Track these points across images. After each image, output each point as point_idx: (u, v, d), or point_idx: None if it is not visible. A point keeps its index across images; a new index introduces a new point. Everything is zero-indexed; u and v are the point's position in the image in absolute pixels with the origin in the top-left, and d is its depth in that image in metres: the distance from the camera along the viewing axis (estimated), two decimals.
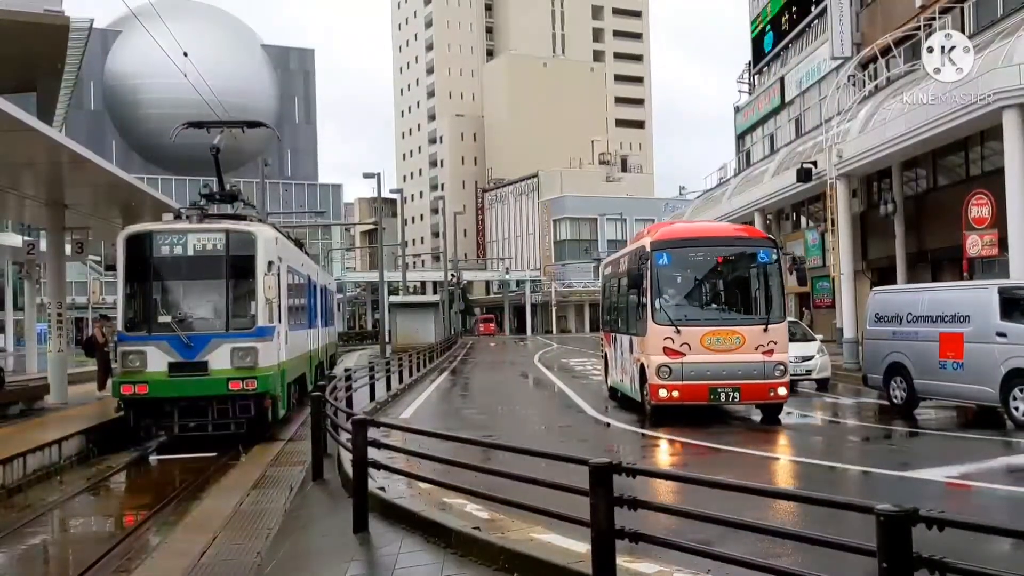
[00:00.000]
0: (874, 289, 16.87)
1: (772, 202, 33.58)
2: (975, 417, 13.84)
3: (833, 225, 26.09)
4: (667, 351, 13.01)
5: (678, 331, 12.98)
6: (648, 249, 13.58)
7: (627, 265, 15.58)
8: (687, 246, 13.99)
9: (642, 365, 13.78)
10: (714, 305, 14.10)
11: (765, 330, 13.04)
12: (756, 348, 12.96)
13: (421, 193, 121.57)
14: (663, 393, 13.05)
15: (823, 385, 19.01)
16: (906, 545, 3.44)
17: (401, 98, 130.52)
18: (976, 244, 18.88)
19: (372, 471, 7.85)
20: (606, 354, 18.38)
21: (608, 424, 14.29)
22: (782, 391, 13.09)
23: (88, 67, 56.27)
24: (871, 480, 8.91)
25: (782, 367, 13.06)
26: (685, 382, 12.95)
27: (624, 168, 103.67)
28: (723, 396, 13.02)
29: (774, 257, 13.57)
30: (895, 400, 14.59)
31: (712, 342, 12.98)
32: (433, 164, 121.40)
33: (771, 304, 13.50)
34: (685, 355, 12.93)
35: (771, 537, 4.90)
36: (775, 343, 13.04)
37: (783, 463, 10.32)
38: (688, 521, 5.01)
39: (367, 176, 45.43)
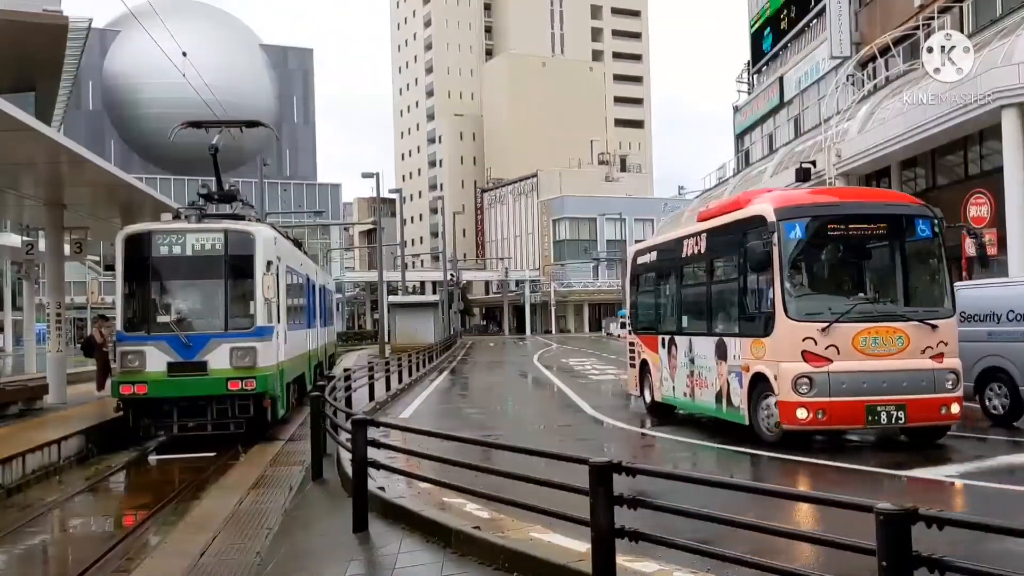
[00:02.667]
0: (955, 285, 15.06)
1: None
2: None
3: None
4: (808, 356, 9.89)
5: (824, 329, 9.90)
6: (773, 219, 10.32)
7: (713, 244, 12.29)
8: (827, 214, 10.71)
9: (756, 375, 10.58)
10: (862, 294, 10.90)
11: (934, 328, 10.11)
12: (923, 351, 10.02)
13: (420, 193, 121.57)
14: (802, 414, 9.82)
15: None
16: (905, 544, 3.45)
17: (400, 97, 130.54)
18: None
19: (372, 471, 7.84)
20: (644, 361, 14.99)
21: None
22: (955, 408, 10.10)
23: (87, 67, 56.27)
24: None
25: (954, 376, 10.12)
26: (833, 398, 9.81)
27: (623, 168, 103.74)
28: (884, 417, 9.85)
29: (936, 230, 10.62)
30: (993, 410, 12.36)
31: (867, 344, 9.94)
32: (432, 164, 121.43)
33: (937, 292, 10.73)
34: (832, 361, 9.85)
35: (773, 536, 4.89)
36: (945, 344, 10.15)
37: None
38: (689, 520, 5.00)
39: (366, 176, 45.49)
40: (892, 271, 11.17)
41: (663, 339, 14.05)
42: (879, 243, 11.04)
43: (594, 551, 4.96)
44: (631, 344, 16.00)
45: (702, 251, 12.60)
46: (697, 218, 13.46)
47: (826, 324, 9.91)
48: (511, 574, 5.90)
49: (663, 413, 14.28)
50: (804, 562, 5.11)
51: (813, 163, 28.14)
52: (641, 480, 4.94)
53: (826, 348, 9.88)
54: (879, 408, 9.83)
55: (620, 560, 5.05)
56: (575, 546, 5.82)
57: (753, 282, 10.91)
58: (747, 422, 10.88)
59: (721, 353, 11.64)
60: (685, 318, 13.37)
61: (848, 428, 10.47)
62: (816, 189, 14.23)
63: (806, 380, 9.85)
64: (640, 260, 15.80)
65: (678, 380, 13.34)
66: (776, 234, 10.21)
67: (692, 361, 12.73)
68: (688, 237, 13.20)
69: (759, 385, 10.55)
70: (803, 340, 9.95)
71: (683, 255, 13.35)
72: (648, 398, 14.86)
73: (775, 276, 10.21)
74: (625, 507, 4.87)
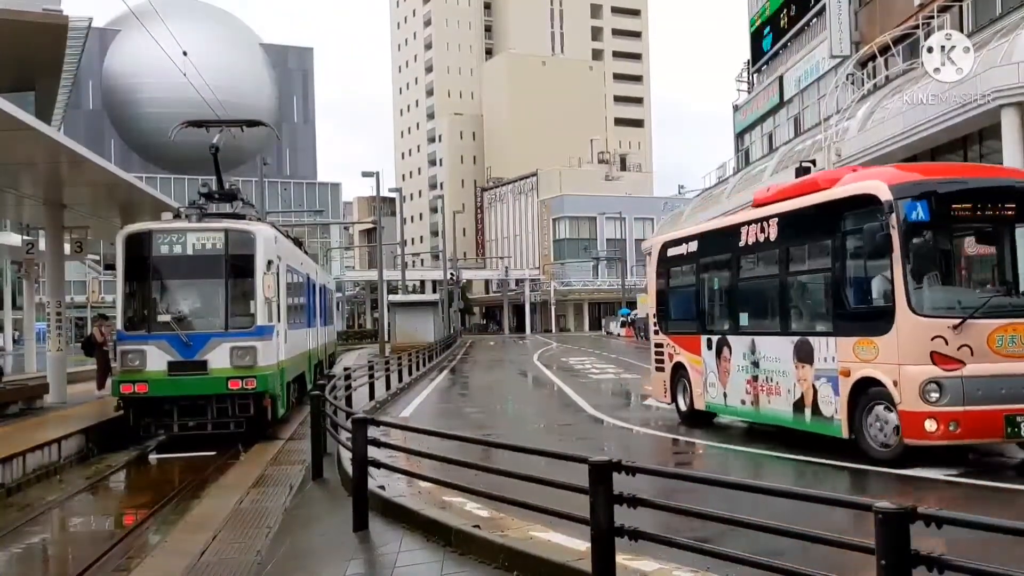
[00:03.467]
0: None
1: None
2: None
3: None
4: (936, 358, 8.52)
5: (957, 327, 8.53)
6: (889, 197, 8.83)
7: (790, 230, 10.60)
8: (953, 191, 9.10)
9: (862, 381, 9.11)
10: (990, 285, 9.55)
11: None
12: None
13: (420, 192, 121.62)
14: (931, 426, 8.43)
15: None
16: (904, 543, 3.46)
17: (400, 97, 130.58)
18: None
19: (372, 470, 7.85)
20: (679, 365, 13.40)
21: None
22: None
23: (86, 66, 56.25)
24: None
25: None
26: (968, 407, 8.42)
27: (623, 167, 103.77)
28: None
29: None
30: None
31: (1004, 343, 8.59)
32: (432, 163, 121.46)
33: None
34: (965, 364, 8.49)
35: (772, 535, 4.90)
36: None
37: None
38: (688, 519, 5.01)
39: (366, 175, 45.46)
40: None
41: (709, 340, 12.45)
42: (1009, 224, 9.39)
43: (594, 550, 4.97)
44: (658, 346, 14.25)
45: (773, 238, 10.87)
46: (754, 203, 11.98)
47: (959, 320, 8.52)
48: (511, 573, 5.91)
49: (702, 421, 12.94)
50: (805, 561, 5.12)
51: (813, 162, 27.99)
52: (641, 481, 4.95)
53: (958, 348, 8.49)
54: (1019, 418, 8.44)
55: (620, 559, 5.06)
56: (575, 545, 5.83)
57: (857, 272, 9.43)
58: (845, 435, 9.38)
59: (804, 355, 10.14)
60: (744, 316, 11.79)
61: (982, 442, 8.99)
62: (904, 165, 12.23)
63: (936, 386, 8.44)
64: (672, 252, 13.95)
65: (732, 386, 11.77)
66: (894, 215, 8.70)
67: (756, 364, 11.19)
68: (750, 223, 11.40)
69: (866, 392, 9.08)
70: (932, 339, 8.53)
71: (742, 244, 11.57)
72: (683, 405, 13.31)
73: (894, 264, 8.75)
74: (625, 506, 4.88)
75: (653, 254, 14.72)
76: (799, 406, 10.27)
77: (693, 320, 13.21)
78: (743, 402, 11.54)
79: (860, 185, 9.52)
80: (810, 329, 10.30)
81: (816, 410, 9.95)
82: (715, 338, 12.30)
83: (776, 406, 10.75)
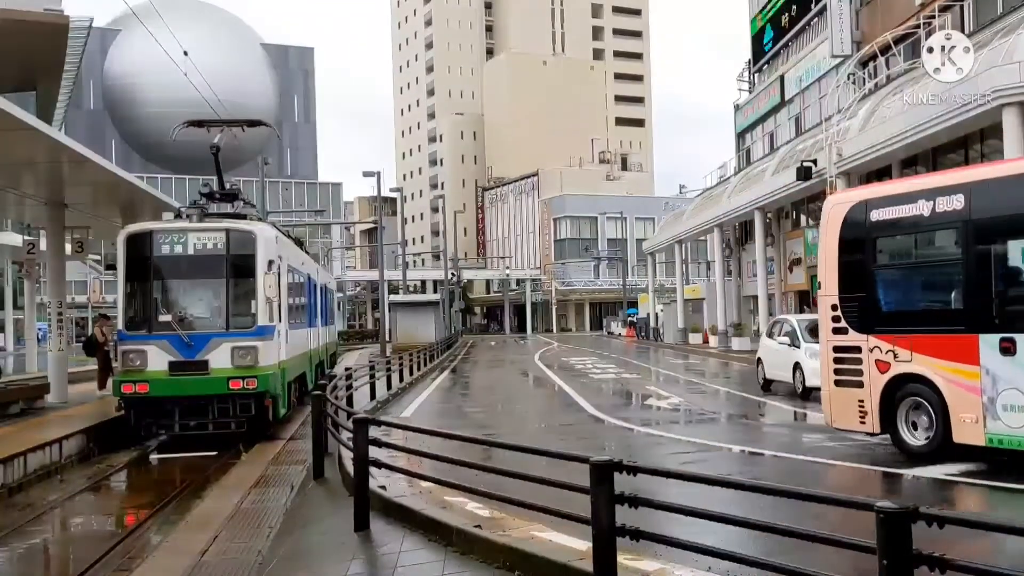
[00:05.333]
0: None
1: (772, 200, 33.61)
2: None
3: None
4: None
5: None
6: None
7: None
8: None
9: None
10: None
11: None
12: None
13: (421, 192, 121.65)
14: None
15: (807, 394, 15.76)
16: (906, 542, 3.45)
17: (401, 96, 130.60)
18: None
19: (373, 470, 7.86)
20: (909, 377, 9.49)
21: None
22: None
23: (87, 66, 56.27)
24: None
25: None
26: None
27: (624, 167, 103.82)
28: None
29: None
30: None
31: None
32: (433, 163, 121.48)
33: None
34: None
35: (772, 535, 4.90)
36: None
37: None
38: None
39: (367, 175, 45.34)
40: None
41: (1005, 340, 8.44)
42: None
43: (595, 549, 4.97)
44: (849, 351, 10.08)
45: None
46: None
47: None
48: (512, 572, 5.91)
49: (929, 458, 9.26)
50: (806, 561, 5.12)
51: (814, 162, 28.13)
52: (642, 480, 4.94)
53: None
54: None
55: (621, 558, 5.06)
56: (576, 544, 5.84)
57: None
58: None
59: None
60: None
61: None
62: None
63: None
64: (885, 215, 9.81)
65: None
66: None
67: None
68: None
69: None
70: None
71: None
72: (917, 438, 9.48)
73: None
74: (626, 506, 4.88)
75: (832, 218, 10.46)
76: None
77: (950, 312, 9.46)
78: None
79: None
80: None
81: None
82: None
83: None
